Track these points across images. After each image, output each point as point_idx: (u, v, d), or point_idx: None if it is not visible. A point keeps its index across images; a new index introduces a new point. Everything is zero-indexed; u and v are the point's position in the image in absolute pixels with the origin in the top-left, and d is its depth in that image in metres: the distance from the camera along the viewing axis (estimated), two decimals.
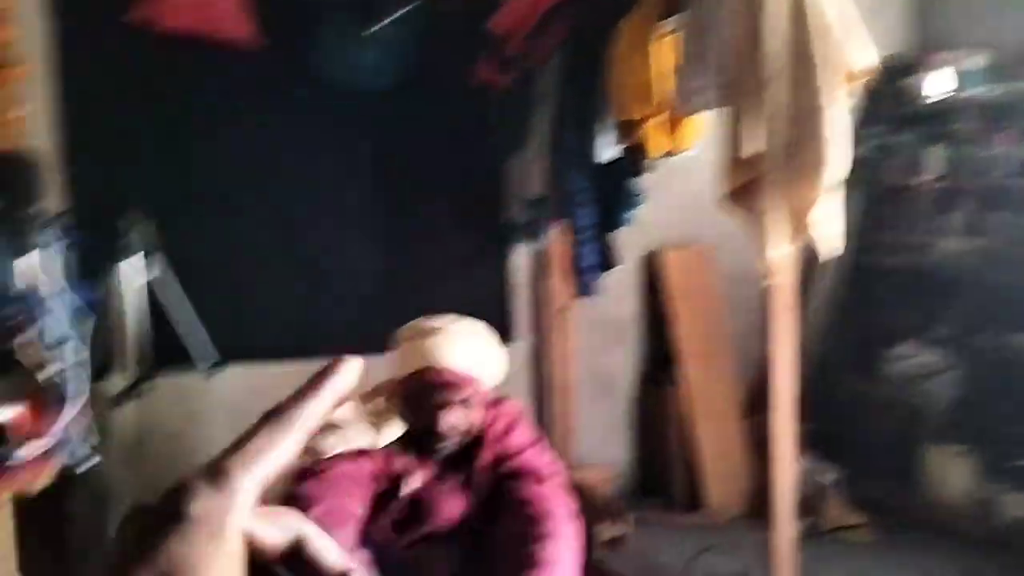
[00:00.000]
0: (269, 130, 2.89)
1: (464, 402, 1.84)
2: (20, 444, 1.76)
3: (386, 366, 2.93)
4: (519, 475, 1.89)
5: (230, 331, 2.74)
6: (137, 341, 2.31)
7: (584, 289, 2.61)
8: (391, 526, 1.96)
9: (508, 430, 1.95)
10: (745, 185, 1.88)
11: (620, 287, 3.31)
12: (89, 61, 2.64)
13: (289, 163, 2.93)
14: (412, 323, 1.90)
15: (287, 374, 2.75)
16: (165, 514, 0.28)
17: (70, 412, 1.83)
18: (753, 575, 2.35)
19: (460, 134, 3.10)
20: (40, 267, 1.73)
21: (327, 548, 0.35)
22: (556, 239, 3.05)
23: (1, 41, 2.31)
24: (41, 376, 2.49)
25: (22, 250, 1.64)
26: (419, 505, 1.94)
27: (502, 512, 1.88)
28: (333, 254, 3.02)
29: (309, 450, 1.86)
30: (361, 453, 1.84)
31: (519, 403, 2.07)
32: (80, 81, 2.64)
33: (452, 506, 1.96)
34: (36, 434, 1.86)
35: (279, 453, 0.33)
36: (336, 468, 1.79)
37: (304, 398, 0.36)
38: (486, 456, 1.93)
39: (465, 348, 1.82)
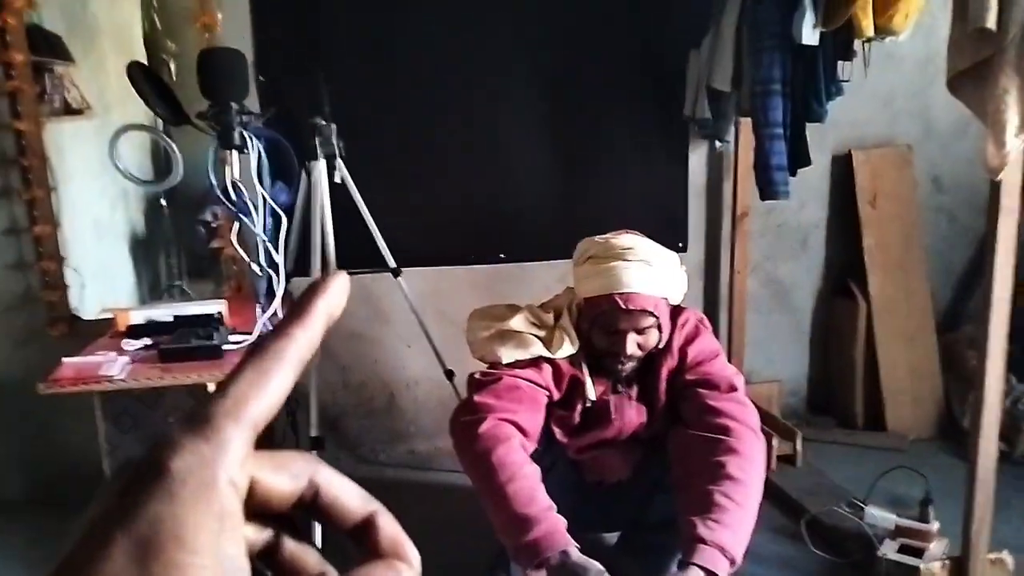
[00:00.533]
0: (448, 38, 2.85)
1: (651, 326, 1.79)
2: (230, 334, 1.88)
3: (561, 275, 2.92)
4: (705, 384, 1.83)
5: (410, 236, 2.81)
6: (324, 243, 2.40)
7: (769, 191, 2.43)
8: (567, 432, 1.98)
9: (691, 339, 1.89)
10: (978, 65, 1.65)
11: (806, 190, 3.09)
12: None
13: (467, 67, 2.89)
14: (594, 240, 1.84)
15: (464, 277, 2.85)
16: (146, 471, 0.24)
17: (269, 308, 1.94)
18: (939, 500, 2.19)
19: (637, 22, 2.92)
20: (241, 168, 1.81)
21: (346, 491, 0.31)
22: (741, 137, 2.86)
23: None
24: (242, 274, 2.68)
25: (226, 148, 1.71)
26: (595, 414, 1.93)
27: (686, 421, 1.85)
28: (511, 156, 2.98)
29: (488, 356, 1.86)
30: (537, 362, 1.84)
31: (699, 313, 1.99)
32: None
33: (630, 415, 1.94)
34: (241, 328, 1.99)
35: (270, 392, 0.28)
36: (513, 376, 1.81)
37: (293, 325, 0.30)
38: (668, 365, 1.88)
39: (653, 273, 1.75)
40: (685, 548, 1.56)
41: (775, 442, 2.70)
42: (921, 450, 2.97)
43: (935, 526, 2.16)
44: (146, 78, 1.81)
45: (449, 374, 2.69)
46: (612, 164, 3.00)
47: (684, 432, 1.83)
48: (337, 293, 0.32)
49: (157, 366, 1.71)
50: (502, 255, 3.03)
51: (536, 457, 1.74)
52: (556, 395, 1.89)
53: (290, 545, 0.31)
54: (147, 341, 1.86)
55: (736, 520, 1.58)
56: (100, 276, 2.79)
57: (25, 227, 2.54)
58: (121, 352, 1.80)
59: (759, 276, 3.22)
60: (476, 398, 1.77)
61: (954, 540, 2.04)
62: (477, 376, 1.84)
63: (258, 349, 0.29)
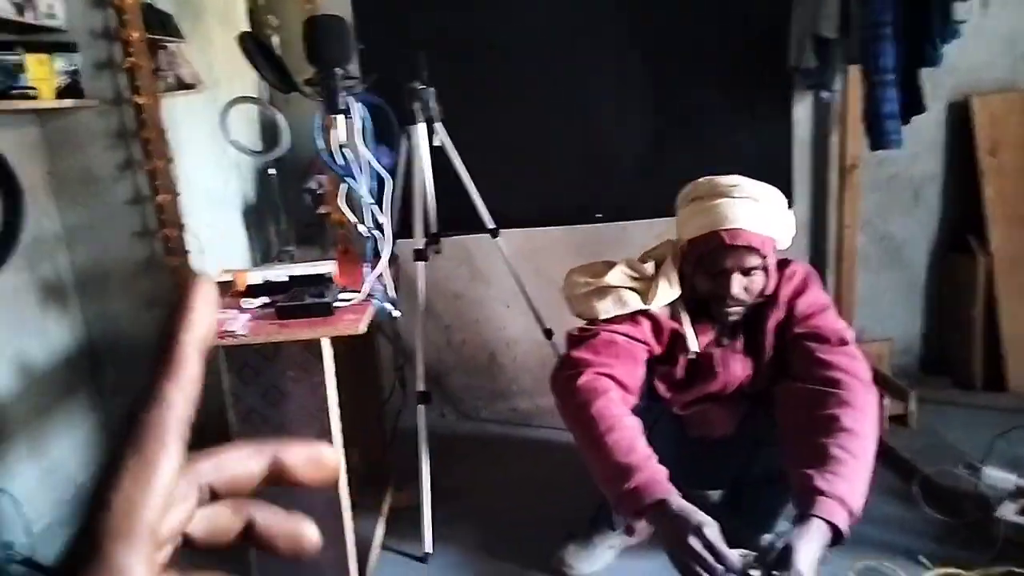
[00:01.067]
0: (543, 4, 2.84)
1: (757, 267, 1.76)
2: (341, 292, 1.96)
3: (659, 234, 2.89)
4: (816, 337, 1.79)
5: (508, 198, 2.83)
6: (425, 205, 2.46)
7: (881, 141, 2.33)
8: (671, 387, 1.97)
9: (800, 292, 1.85)
10: None
11: (919, 140, 2.93)
12: None
13: (562, 24, 2.87)
14: (698, 182, 1.82)
15: (561, 238, 2.85)
16: None
17: (376, 268, 2.00)
18: None
19: None
20: (346, 131, 1.86)
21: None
22: (850, 85, 2.74)
23: None
24: (349, 235, 2.77)
25: (331, 113, 1.76)
26: (699, 367, 1.92)
27: (794, 374, 1.82)
28: (607, 114, 2.95)
29: (585, 313, 1.87)
30: (635, 317, 1.83)
31: (807, 265, 1.95)
32: None
33: (735, 368, 1.92)
34: (350, 286, 2.06)
35: (159, 483, 0.25)
36: (610, 332, 1.81)
37: (163, 385, 0.27)
38: (776, 317, 1.85)
39: (759, 210, 1.72)
40: (802, 500, 1.53)
41: (886, 401, 2.61)
42: None
43: None
44: (256, 47, 1.88)
45: (548, 333, 2.71)
46: (712, 118, 2.93)
47: (792, 385, 1.79)
48: (203, 313, 0.28)
49: (275, 322, 1.80)
50: (599, 215, 3.02)
51: (639, 413, 1.75)
52: (657, 349, 1.88)
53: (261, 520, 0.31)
54: (264, 300, 1.96)
55: (853, 472, 1.55)
56: (216, 243, 2.94)
57: (147, 196, 2.69)
58: (242, 310, 1.90)
59: (869, 232, 3.09)
60: (574, 353, 1.79)
61: None
62: (575, 332, 1.86)
63: (133, 431, 0.26)
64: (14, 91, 2.13)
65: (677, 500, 1.53)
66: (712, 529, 1.46)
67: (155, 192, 2.68)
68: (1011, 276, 2.95)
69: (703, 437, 2.08)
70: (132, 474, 0.25)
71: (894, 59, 2.27)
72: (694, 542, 1.44)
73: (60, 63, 2.45)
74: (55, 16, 2.33)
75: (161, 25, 2.69)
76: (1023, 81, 2.98)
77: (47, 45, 2.41)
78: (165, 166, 2.68)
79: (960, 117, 2.99)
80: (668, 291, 1.81)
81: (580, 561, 2.09)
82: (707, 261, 1.76)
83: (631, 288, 1.83)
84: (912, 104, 2.39)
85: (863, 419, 1.64)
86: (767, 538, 2.05)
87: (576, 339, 1.84)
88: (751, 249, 1.71)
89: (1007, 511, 2.04)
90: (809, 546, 1.44)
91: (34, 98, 2.24)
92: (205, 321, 0.28)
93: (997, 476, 2.19)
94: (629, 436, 1.63)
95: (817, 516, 1.48)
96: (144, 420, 0.26)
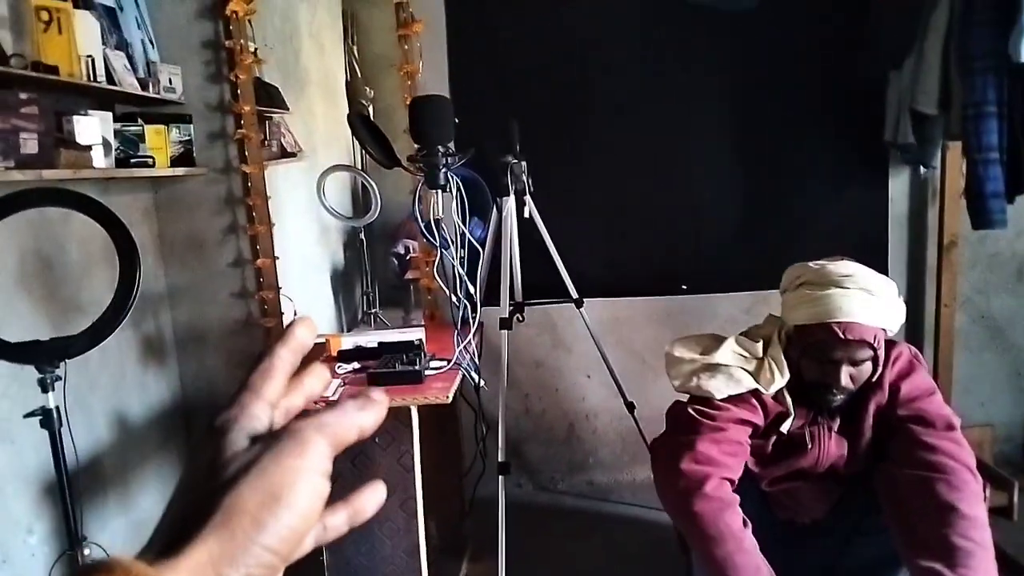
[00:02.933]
0: (632, 67, 2.89)
1: (867, 359, 1.71)
2: (430, 360, 1.99)
3: (746, 307, 2.85)
4: (921, 421, 1.72)
5: (593, 268, 2.85)
6: (512, 274, 2.49)
7: (984, 220, 2.25)
8: (760, 461, 1.90)
9: (905, 375, 1.78)
10: None
11: (1022, 217, 2.83)
12: (473, 23, 2.87)
13: (653, 95, 2.91)
14: (807, 266, 1.77)
15: (644, 309, 2.83)
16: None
17: (464, 336, 2.03)
18: None
19: (832, 43, 2.82)
20: (443, 204, 1.92)
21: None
22: (949, 160, 2.67)
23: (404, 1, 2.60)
24: (435, 303, 2.82)
25: (432, 188, 1.82)
26: (791, 442, 1.85)
27: (895, 458, 1.74)
28: (697, 183, 2.96)
29: (694, 390, 1.80)
30: (747, 396, 1.78)
31: (912, 347, 1.88)
32: (464, 38, 2.88)
33: (829, 446, 1.84)
34: (439, 354, 2.09)
35: (345, 426, 0.40)
36: (734, 423, 1.76)
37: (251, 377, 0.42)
38: (877, 400, 1.78)
39: (873, 303, 1.67)
40: None
41: (987, 491, 2.46)
42: None
43: None
44: (364, 125, 1.97)
45: (630, 407, 2.68)
46: (806, 191, 2.90)
47: (894, 469, 1.72)
48: (301, 334, 0.43)
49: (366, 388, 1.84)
50: (684, 287, 2.99)
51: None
52: (760, 427, 1.83)
53: None
54: (356, 365, 2.01)
55: (985, 563, 1.48)
56: (307, 307, 3.03)
57: (248, 259, 2.81)
58: (334, 375, 1.95)
59: (969, 311, 2.97)
60: (700, 447, 1.70)
61: None
62: (691, 411, 1.76)
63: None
64: (134, 159, 2.27)
65: None
66: None
67: (255, 256, 2.79)
68: None
69: (792, 520, 1.99)
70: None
71: (999, 137, 2.21)
72: None
73: (175, 134, 2.62)
74: (174, 90, 2.49)
75: (268, 97, 2.85)
76: None
77: (165, 117, 2.58)
78: (267, 231, 2.80)
79: None
80: (780, 377, 1.76)
81: None
82: (816, 350, 1.72)
83: (742, 368, 1.78)
84: (1017, 183, 2.31)
85: (979, 506, 1.57)
86: None
87: (695, 422, 1.75)
88: (864, 343, 1.67)
89: None
90: None
91: (152, 166, 2.38)
92: (301, 340, 0.42)
93: None
94: (756, 562, 1.62)
95: None
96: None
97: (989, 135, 2.21)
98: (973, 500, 1.59)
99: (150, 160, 2.41)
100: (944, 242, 2.75)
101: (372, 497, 0.42)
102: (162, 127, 2.56)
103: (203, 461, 0.37)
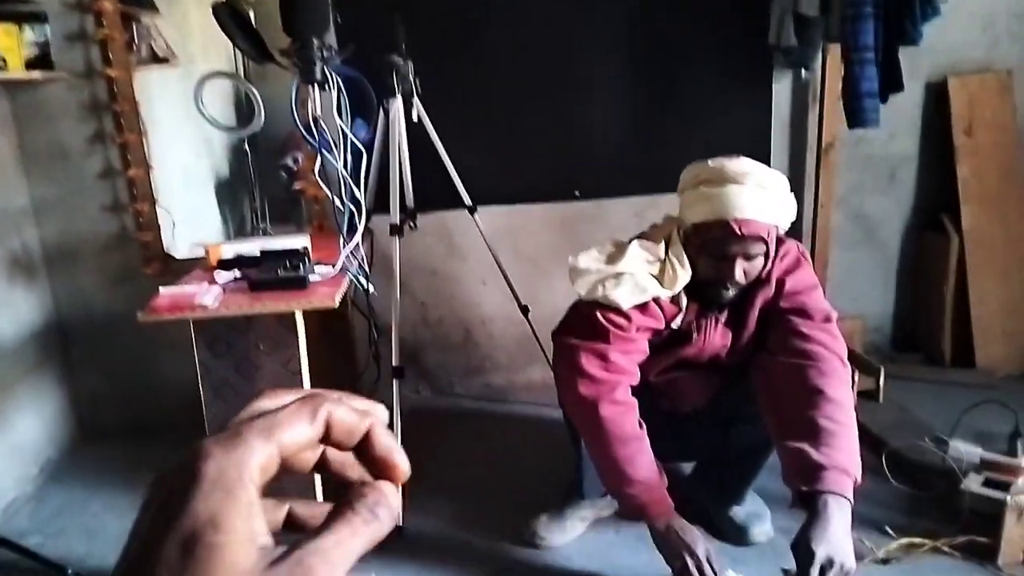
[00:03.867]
0: None
1: (760, 254, 1.76)
2: (315, 266, 1.94)
3: (638, 211, 2.89)
4: (801, 313, 1.81)
5: (486, 174, 2.82)
6: (402, 180, 2.44)
7: (858, 119, 2.34)
8: (650, 353, 1.97)
9: (790, 271, 1.86)
10: None
11: (896, 120, 2.95)
12: None
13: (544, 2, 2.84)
14: (705, 165, 1.79)
15: (538, 215, 2.83)
16: (183, 476, 0.29)
17: (350, 242, 1.99)
18: None
19: None
20: (321, 105, 1.84)
21: (348, 414, 0.35)
22: (828, 64, 2.74)
23: None
24: (325, 211, 2.75)
25: (308, 83, 1.74)
26: (678, 333, 1.92)
27: (772, 348, 1.83)
28: (586, 91, 2.93)
29: (602, 300, 1.82)
30: (649, 303, 1.82)
31: (800, 245, 1.95)
32: None
33: (713, 336, 1.92)
34: (324, 260, 2.05)
35: (293, 433, 0.32)
36: (638, 328, 1.81)
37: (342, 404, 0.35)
38: (764, 295, 1.86)
39: (767, 198, 1.71)
40: (803, 477, 1.58)
41: (856, 377, 2.64)
42: (1012, 387, 2.86)
43: (1023, 460, 2.10)
44: (232, 18, 1.85)
45: (524, 310, 2.72)
46: (691, 97, 2.93)
47: (769, 358, 1.81)
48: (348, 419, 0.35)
49: (247, 295, 1.78)
50: (577, 192, 3.01)
51: None
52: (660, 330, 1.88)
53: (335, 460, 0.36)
54: (237, 273, 1.95)
55: (847, 441, 1.60)
56: (189, 220, 2.91)
57: (119, 170, 2.65)
58: (213, 283, 1.89)
59: (845, 210, 3.12)
60: (612, 356, 1.77)
61: None
62: (601, 318, 1.79)
63: (308, 400, 0.34)
64: None
65: (680, 521, 1.74)
66: (706, 548, 1.72)
67: (126, 166, 2.64)
68: (982, 256, 2.99)
69: (674, 410, 2.09)
70: (288, 413, 0.33)
71: (874, 38, 2.28)
72: (690, 562, 1.68)
73: (29, 34, 2.41)
74: None
75: None
76: (999, 62, 3.00)
77: (16, 15, 2.36)
78: (138, 139, 2.64)
79: (937, 97, 3.01)
80: (683, 274, 1.79)
81: (552, 532, 2.10)
82: (712, 247, 1.76)
83: (648, 271, 1.81)
84: (890, 82, 2.40)
85: (844, 389, 1.68)
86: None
87: (604, 329, 1.78)
88: (758, 238, 1.72)
89: (972, 483, 2.07)
90: (836, 530, 1.51)
91: (3, 69, 2.19)
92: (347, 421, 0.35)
93: (963, 449, 2.22)
94: (649, 460, 1.77)
95: (824, 491, 1.52)
96: (318, 400, 0.34)
97: (865, 35, 2.28)
98: (840, 385, 1.70)
99: (0, 62, 2.22)
100: (823, 144, 2.85)
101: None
102: (13, 26, 2.35)
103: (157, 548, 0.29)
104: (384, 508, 0.35)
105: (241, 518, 0.29)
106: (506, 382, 3.17)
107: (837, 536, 1.49)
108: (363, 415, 0.35)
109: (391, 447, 0.36)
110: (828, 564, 1.48)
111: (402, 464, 0.37)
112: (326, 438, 0.34)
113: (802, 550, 1.50)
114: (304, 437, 0.33)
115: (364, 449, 0.36)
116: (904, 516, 2.15)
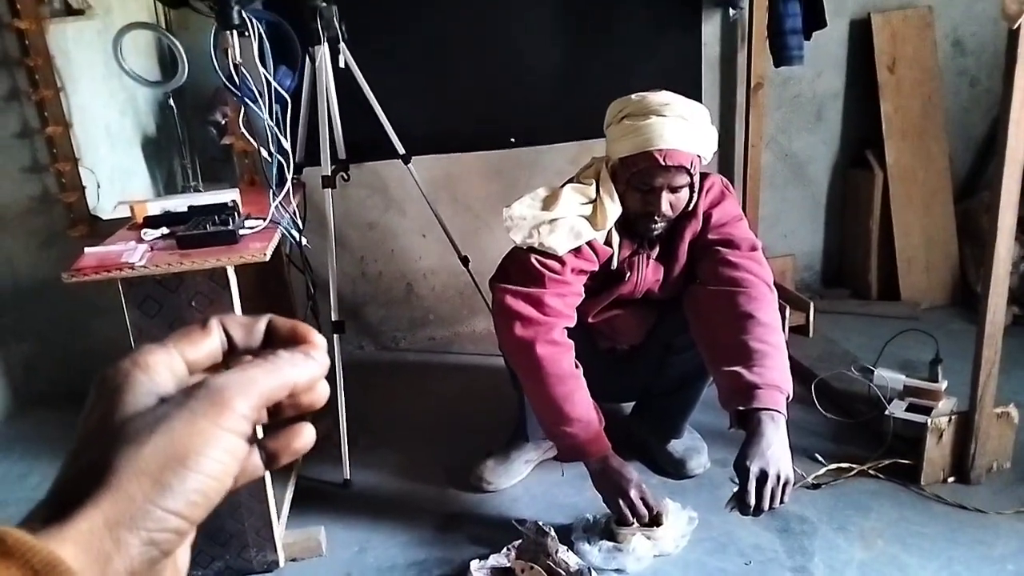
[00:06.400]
0: None
1: (685, 185, 1.79)
2: (246, 220, 1.91)
3: (572, 157, 2.90)
4: (727, 243, 1.86)
5: (419, 122, 2.79)
6: (332, 130, 2.40)
7: (784, 57, 2.38)
8: (587, 295, 2.00)
9: (715, 203, 1.90)
10: None
11: (822, 59, 3.01)
12: None
13: None
14: (629, 99, 1.81)
15: (474, 163, 2.82)
16: (100, 388, 0.34)
17: (279, 195, 1.96)
18: (949, 363, 2.23)
19: None
20: (243, 52, 1.79)
21: (241, 320, 0.39)
22: (756, 3, 2.75)
23: None
24: (254, 165, 2.69)
25: (225, 28, 1.69)
26: (612, 273, 1.95)
27: (702, 278, 1.89)
28: (517, 36, 2.90)
29: (538, 247, 1.82)
30: (582, 249, 1.84)
31: (724, 178, 1.99)
32: None
33: (646, 272, 1.96)
34: (255, 215, 2.01)
35: (188, 339, 0.37)
36: (573, 272, 1.84)
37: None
38: (692, 228, 1.90)
39: (689, 129, 1.73)
40: (739, 398, 1.63)
41: (787, 313, 2.73)
42: (934, 317, 3.00)
43: (943, 385, 2.21)
44: None
45: (464, 261, 2.72)
46: (621, 40, 2.92)
47: (700, 288, 1.87)
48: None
49: (176, 252, 1.75)
50: (512, 140, 3.00)
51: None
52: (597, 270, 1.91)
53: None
54: (164, 230, 1.90)
55: (777, 361, 1.66)
56: (116, 180, 2.81)
57: (37, 128, 2.55)
58: (140, 241, 1.84)
59: (774, 149, 3.18)
60: (547, 299, 1.79)
61: (963, 400, 2.07)
62: (536, 262, 1.80)
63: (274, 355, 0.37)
64: None
65: (616, 459, 1.81)
66: (641, 486, 1.80)
67: (44, 124, 2.54)
68: (904, 189, 3.09)
69: (612, 348, 2.13)
70: (263, 370, 0.36)
71: None
72: (623, 503, 1.77)
73: None
74: None
75: None
76: None
77: None
78: (54, 96, 2.54)
79: (861, 34, 3.06)
80: (613, 208, 1.82)
81: (498, 476, 2.15)
82: (638, 180, 1.78)
83: (581, 214, 1.83)
84: (814, 20, 2.43)
85: (772, 312, 1.74)
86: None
87: (539, 274, 1.80)
88: (682, 168, 1.74)
89: (896, 409, 2.18)
90: (770, 443, 1.55)
91: None
92: (258, 325, 0.40)
93: (887, 377, 2.33)
94: (584, 397, 1.80)
95: (759, 408, 1.57)
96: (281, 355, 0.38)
97: None
98: (768, 309, 1.76)
99: None
100: (751, 84, 2.89)
101: (298, 441, 0.38)
102: None
103: (94, 420, 0.33)
104: (318, 351, 0.39)
105: (141, 377, 0.35)
106: (451, 334, 3.18)
107: (772, 449, 1.55)
108: (259, 318, 0.40)
109: (294, 323, 0.40)
110: (763, 477, 1.53)
111: (311, 332, 0.40)
112: (231, 347, 0.39)
113: (739, 468, 1.56)
114: (200, 340, 0.37)
115: (271, 340, 0.40)
116: (833, 443, 2.25)
